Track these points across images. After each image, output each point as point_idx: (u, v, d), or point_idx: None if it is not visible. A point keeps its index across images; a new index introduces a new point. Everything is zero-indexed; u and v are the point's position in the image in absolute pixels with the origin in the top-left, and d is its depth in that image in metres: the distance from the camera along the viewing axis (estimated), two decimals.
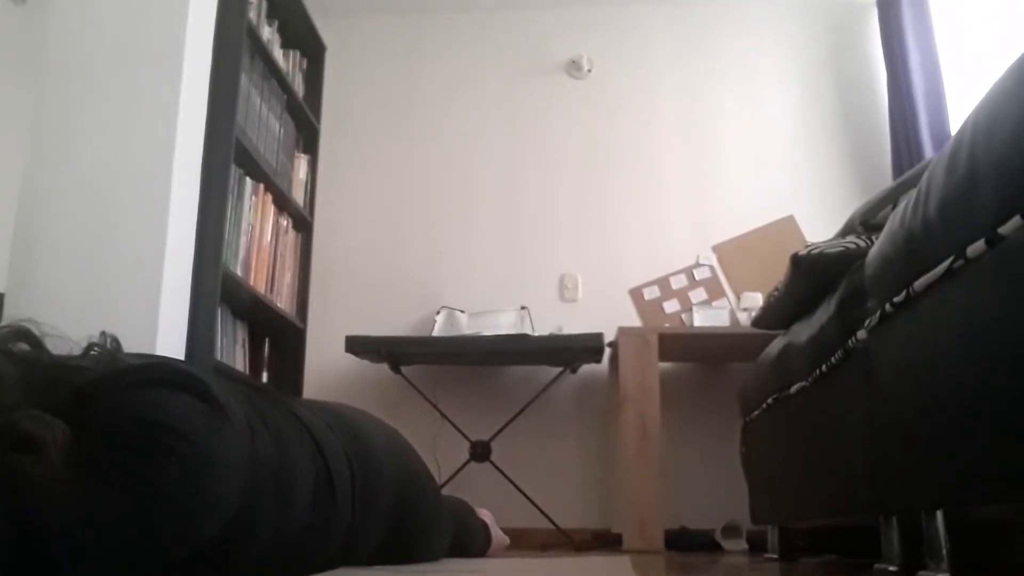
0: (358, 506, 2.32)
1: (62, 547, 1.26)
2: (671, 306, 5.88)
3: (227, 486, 1.56)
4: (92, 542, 1.29)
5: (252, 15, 4.55)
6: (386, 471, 2.55)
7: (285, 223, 5.18)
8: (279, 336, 5.13)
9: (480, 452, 5.31)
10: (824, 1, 6.40)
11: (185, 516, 1.44)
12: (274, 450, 1.86)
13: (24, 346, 1.49)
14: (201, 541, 1.50)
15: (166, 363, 1.64)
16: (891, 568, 2.34)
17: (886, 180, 5.54)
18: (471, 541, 3.61)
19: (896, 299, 2.12)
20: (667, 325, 5.73)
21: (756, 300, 5.54)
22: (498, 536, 4.00)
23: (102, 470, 1.34)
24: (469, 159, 6.26)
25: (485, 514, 3.98)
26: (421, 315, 5.83)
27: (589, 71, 6.37)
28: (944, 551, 1.97)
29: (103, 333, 1.67)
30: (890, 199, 2.88)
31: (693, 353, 5.59)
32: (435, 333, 5.56)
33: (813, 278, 2.89)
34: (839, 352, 2.61)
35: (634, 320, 5.77)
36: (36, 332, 1.51)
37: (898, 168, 5.56)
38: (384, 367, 5.44)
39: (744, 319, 5.62)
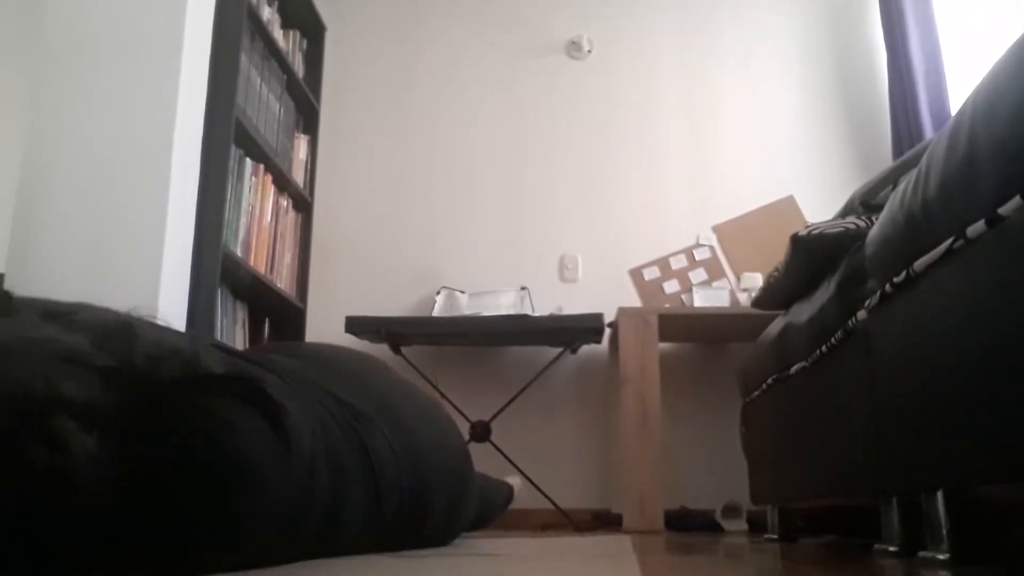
0: (400, 528, 2.32)
1: (69, 537, 1.22)
2: (671, 286, 5.88)
3: (267, 524, 1.54)
4: (108, 542, 1.26)
5: None
6: (438, 498, 2.53)
7: (285, 203, 5.19)
8: (279, 316, 5.14)
9: (480, 432, 5.31)
10: None
11: (212, 545, 1.42)
12: (329, 488, 1.84)
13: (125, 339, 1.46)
14: (222, 567, 1.49)
15: (248, 378, 1.60)
16: (891, 549, 2.35)
17: (886, 161, 5.55)
18: (491, 510, 3.63)
19: (896, 279, 2.12)
20: (667, 305, 5.73)
21: (756, 280, 5.54)
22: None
23: (149, 475, 1.29)
24: (469, 139, 6.25)
25: (515, 482, 4.04)
26: (421, 295, 5.83)
27: (589, 52, 6.35)
28: (944, 532, 1.97)
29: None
30: (890, 180, 2.89)
31: (693, 333, 5.59)
32: (435, 313, 5.56)
33: (813, 258, 2.89)
34: (839, 333, 2.62)
35: (634, 300, 5.77)
36: (136, 328, 1.47)
37: (898, 149, 5.55)
38: (384, 347, 5.44)
39: (744, 299, 5.62)
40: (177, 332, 1.72)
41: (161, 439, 1.33)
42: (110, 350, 1.32)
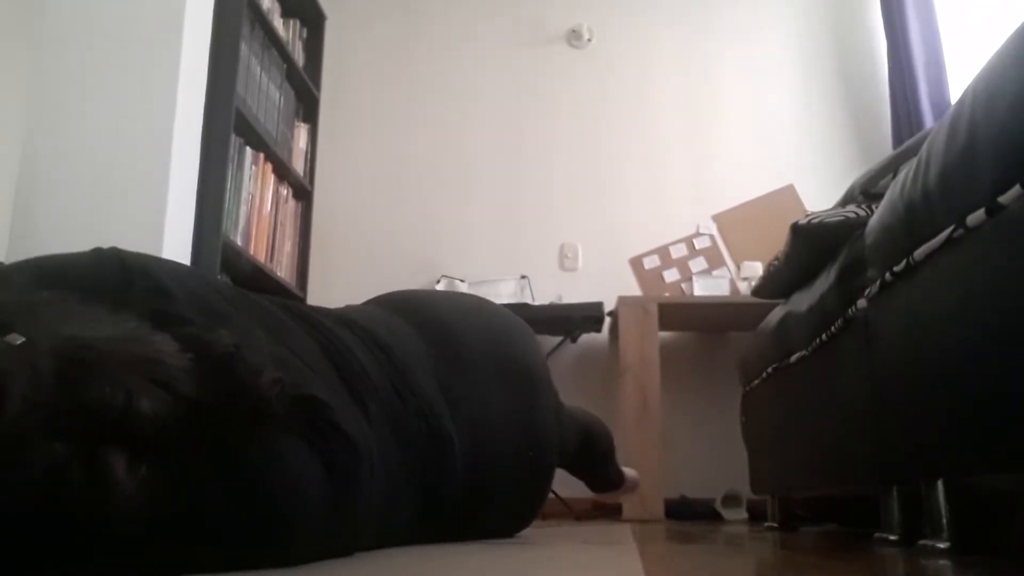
0: (455, 527, 2.32)
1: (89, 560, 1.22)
2: (671, 275, 5.88)
3: (303, 553, 1.53)
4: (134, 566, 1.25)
5: None
6: (495, 511, 2.50)
7: (285, 192, 5.18)
8: None
9: None
10: None
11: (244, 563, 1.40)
12: (382, 510, 1.81)
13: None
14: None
15: (317, 427, 1.56)
16: (891, 538, 2.35)
17: (886, 149, 5.54)
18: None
19: (896, 268, 2.12)
20: (667, 294, 5.73)
21: (756, 269, 5.54)
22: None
23: (190, 513, 1.29)
24: (469, 128, 6.25)
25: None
26: (421, 284, 5.82)
27: (589, 40, 6.35)
28: (944, 521, 1.97)
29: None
30: (890, 168, 2.89)
31: (693, 322, 5.60)
32: None
33: (813, 247, 2.89)
34: (839, 321, 2.62)
35: (634, 289, 5.77)
36: (240, 358, 1.40)
37: (898, 137, 5.55)
38: None
39: (744, 288, 5.62)
40: (290, 351, 1.71)
41: (212, 475, 1.32)
42: (206, 383, 1.29)
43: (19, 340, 1.13)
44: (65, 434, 1.13)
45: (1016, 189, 1.57)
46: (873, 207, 2.62)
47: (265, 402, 1.39)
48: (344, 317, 2.17)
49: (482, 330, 2.57)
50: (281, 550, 1.44)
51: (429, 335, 2.35)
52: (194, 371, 1.28)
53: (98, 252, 1.63)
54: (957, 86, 5.34)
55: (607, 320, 5.40)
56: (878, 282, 2.28)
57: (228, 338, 1.41)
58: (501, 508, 2.48)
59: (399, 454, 1.93)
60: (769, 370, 3.45)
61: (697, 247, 5.94)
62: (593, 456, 3.41)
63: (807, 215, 2.93)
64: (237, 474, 1.36)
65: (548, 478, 2.69)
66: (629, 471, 3.87)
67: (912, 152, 2.58)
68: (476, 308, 2.73)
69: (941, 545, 1.97)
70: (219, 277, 4.00)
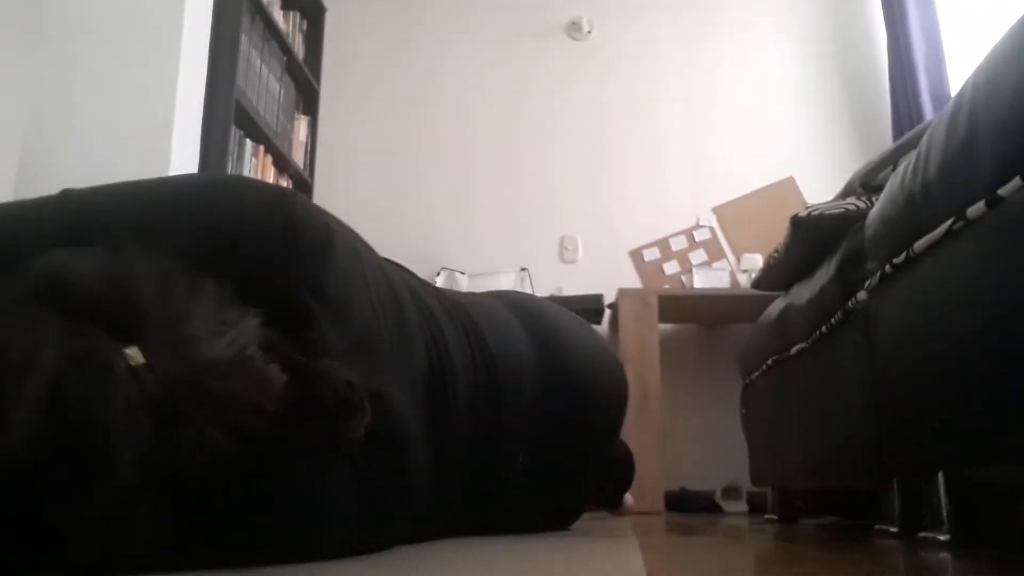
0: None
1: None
2: (671, 267, 5.88)
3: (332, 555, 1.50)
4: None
5: None
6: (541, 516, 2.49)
7: (285, 184, 5.18)
8: None
9: None
10: None
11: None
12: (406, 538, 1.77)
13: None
14: None
15: (392, 463, 1.52)
16: (891, 530, 2.35)
17: (886, 142, 5.54)
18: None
19: (896, 260, 2.12)
20: (667, 286, 5.73)
21: (756, 262, 5.54)
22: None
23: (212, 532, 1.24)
24: (469, 120, 6.25)
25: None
26: (421, 276, 5.81)
27: (589, 32, 6.34)
28: (944, 513, 1.97)
29: None
30: (890, 161, 2.88)
31: (693, 314, 5.60)
32: None
33: (813, 240, 2.89)
34: (839, 313, 2.62)
35: (634, 281, 5.77)
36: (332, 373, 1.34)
37: (898, 130, 5.55)
38: None
39: (744, 280, 5.62)
40: (395, 371, 1.65)
41: (246, 499, 1.27)
42: (292, 422, 1.22)
43: (135, 361, 1.09)
44: (134, 488, 1.10)
45: (1016, 181, 1.57)
46: (873, 199, 2.62)
47: (345, 445, 1.35)
48: (471, 319, 2.14)
49: (585, 383, 2.47)
50: (302, 561, 1.41)
51: (540, 352, 2.30)
52: (285, 412, 1.21)
53: (273, 203, 1.51)
54: (957, 78, 5.34)
55: (607, 312, 5.40)
56: (878, 274, 2.28)
57: (342, 373, 1.35)
58: (537, 526, 2.48)
59: (453, 484, 1.91)
60: (769, 362, 3.45)
61: (697, 239, 5.94)
62: (609, 485, 3.48)
63: (807, 207, 2.92)
64: (275, 499, 1.32)
65: (582, 508, 2.81)
66: (627, 498, 3.90)
67: (912, 145, 2.57)
68: (594, 349, 2.63)
69: (942, 537, 1.97)
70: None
